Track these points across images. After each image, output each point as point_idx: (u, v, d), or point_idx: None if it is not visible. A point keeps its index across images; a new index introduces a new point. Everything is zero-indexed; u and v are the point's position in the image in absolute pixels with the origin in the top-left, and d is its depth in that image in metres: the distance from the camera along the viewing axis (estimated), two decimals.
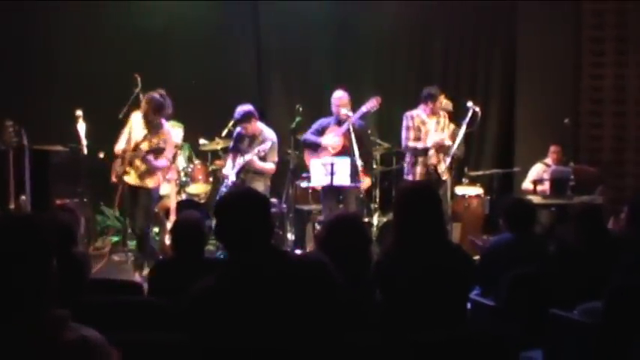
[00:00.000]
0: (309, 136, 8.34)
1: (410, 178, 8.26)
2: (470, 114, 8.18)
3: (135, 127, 7.50)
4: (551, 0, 10.01)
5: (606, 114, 10.03)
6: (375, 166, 8.68)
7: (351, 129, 7.92)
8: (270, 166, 8.11)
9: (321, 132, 8.25)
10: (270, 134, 8.10)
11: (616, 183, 9.75)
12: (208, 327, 2.63)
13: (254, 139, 8.06)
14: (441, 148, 8.16)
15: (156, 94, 7.45)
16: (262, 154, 7.93)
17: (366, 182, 8.17)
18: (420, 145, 8.17)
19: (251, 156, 7.93)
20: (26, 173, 7.54)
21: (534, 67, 10.15)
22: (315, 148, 8.22)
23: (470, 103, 8.24)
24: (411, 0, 10.51)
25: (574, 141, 9.88)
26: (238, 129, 8.19)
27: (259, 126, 8.13)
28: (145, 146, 7.36)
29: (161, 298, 4.20)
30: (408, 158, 8.34)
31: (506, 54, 10.58)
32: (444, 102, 8.29)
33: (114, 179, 7.58)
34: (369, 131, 8.70)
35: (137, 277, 7.33)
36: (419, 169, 8.21)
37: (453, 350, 3.18)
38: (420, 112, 8.28)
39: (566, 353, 4.35)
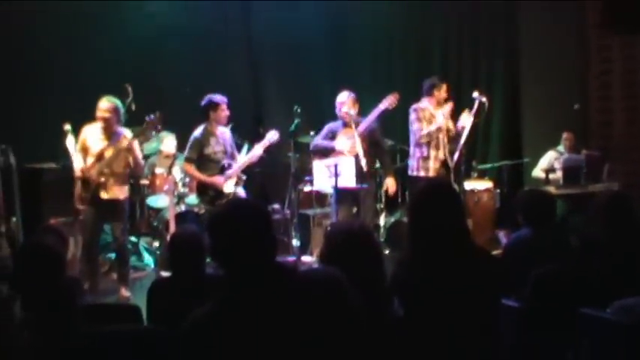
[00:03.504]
0: (319, 141, 7.99)
1: (422, 174, 7.98)
2: (476, 105, 7.94)
3: (90, 141, 7.27)
4: None
5: (616, 98, 9.67)
6: (377, 165, 8.36)
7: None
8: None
9: (332, 137, 7.91)
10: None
11: (629, 168, 9.43)
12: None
13: (215, 137, 7.84)
14: (449, 140, 7.99)
15: (116, 100, 7.31)
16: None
17: (390, 184, 7.96)
18: (433, 127, 7.92)
19: (260, 149, 7.83)
20: (15, 193, 7.30)
21: (539, 53, 9.89)
22: (327, 153, 7.83)
23: (476, 94, 8.03)
24: None
25: (583, 127, 9.60)
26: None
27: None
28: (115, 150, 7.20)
29: (161, 320, 3.97)
30: (417, 153, 8.04)
31: (509, 40, 10.38)
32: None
33: (80, 205, 7.31)
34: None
35: (124, 292, 7.31)
36: (432, 164, 7.94)
37: None
38: (427, 105, 8.04)
39: (599, 356, 4.03)
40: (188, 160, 7.77)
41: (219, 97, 7.76)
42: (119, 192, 7.30)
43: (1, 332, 1.84)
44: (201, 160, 7.74)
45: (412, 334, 2.85)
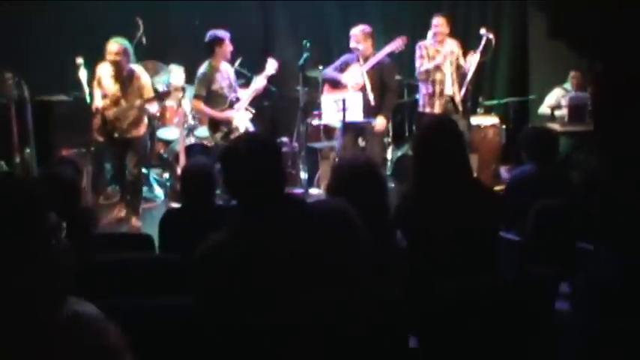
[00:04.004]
0: (329, 71, 8.03)
1: (428, 110, 8.02)
2: (483, 42, 7.97)
3: (105, 82, 7.36)
4: None
5: None
6: None
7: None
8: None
9: (343, 68, 7.91)
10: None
11: None
12: (220, 288, 2.44)
13: (220, 73, 7.84)
14: (458, 77, 7.97)
15: (124, 41, 7.33)
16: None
17: (378, 122, 7.74)
18: (431, 64, 7.93)
19: (263, 80, 7.84)
20: (29, 125, 7.38)
21: None
22: (335, 84, 7.90)
23: (483, 31, 8.06)
24: None
25: (591, 65, 9.56)
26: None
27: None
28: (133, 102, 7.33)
29: (172, 249, 4.09)
30: (424, 90, 8.08)
31: None
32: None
33: (99, 138, 7.45)
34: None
35: (135, 222, 7.44)
36: (438, 101, 7.98)
37: (488, 298, 3.00)
38: (432, 42, 8.02)
39: (596, 288, 4.15)
40: (197, 97, 7.80)
41: (222, 32, 7.72)
42: (136, 130, 7.47)
43: (54, 258, 1.93)
44: (210, 96, 7.77)
45: (414, 265, 2.96)
